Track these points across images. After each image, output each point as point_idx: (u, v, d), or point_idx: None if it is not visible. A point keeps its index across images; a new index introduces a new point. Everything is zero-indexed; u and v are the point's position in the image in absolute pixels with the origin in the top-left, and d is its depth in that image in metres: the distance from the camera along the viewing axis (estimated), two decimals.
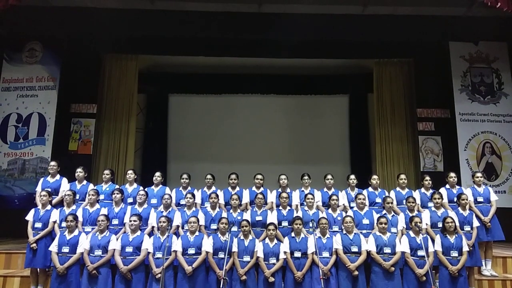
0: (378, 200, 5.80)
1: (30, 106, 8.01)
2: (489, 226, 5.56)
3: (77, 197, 5.57)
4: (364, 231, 5.12)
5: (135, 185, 5.96)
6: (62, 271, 4.58)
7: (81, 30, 7.87)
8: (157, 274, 4.56)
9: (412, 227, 4.88)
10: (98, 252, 4.66)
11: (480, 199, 5.72)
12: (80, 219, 5.14)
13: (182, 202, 5.64)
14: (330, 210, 5.48)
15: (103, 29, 7.65)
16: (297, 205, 5.75)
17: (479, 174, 5.97)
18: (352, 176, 6.07)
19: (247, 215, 5.34)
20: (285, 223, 5.33)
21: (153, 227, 5.22)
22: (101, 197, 5.64)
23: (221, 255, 4.71)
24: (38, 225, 5.09)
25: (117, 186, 5.78)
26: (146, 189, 5.74)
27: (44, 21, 7.57)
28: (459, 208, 5.40)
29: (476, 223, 5.31)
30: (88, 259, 4.63)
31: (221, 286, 4.45)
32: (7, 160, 7.82)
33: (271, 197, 5.84)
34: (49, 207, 5.25)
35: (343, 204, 5.77)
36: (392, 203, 5.44)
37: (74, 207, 5.33)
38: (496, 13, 6.89)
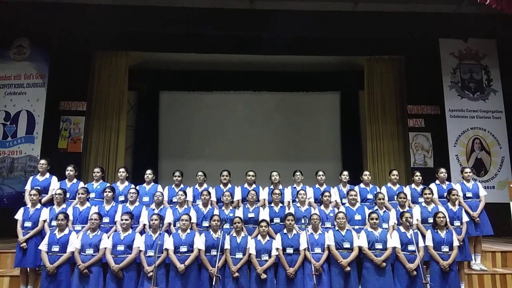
0: (370, 196, 5.83)
1: (18, 103, 7.89)
2: (478, 221, 5.63)
3: (68, 195, 5.51)
4: (356, 227, 5.16)
5: (126, 183, 5.92)
6: (52, 270, 4.53)
7: (70, 26, 7.77)
8: (149, 272, 4.54)
9: (403, 223, 4.92)
10: (90, 251, 4.62)
11: (469, 194, 5.81)
12: (71, 217, 5.09)
13: (175, 199, 5.62)
14: (322, 207, 5.50)
15: (92, 25, 7.55)
16: (289, 202, 5.76)
17: (467, 170, 6.04)
18: (345, 173, 6.09)
19: (239, 212, 5.34)
20: (277, 220, 5.34)
21: (144, 225, 5.20)
22: (92, 195, 5.60)
23: (213, 252, 4.71)
24: (28, 224, 5.03)
25: (108, 184, 5.73)
26: (138, 187, 5.71)
27: (32, 17, 7.44)
28: (449, 204, 5.46)
29: (465, 218, 5.38)
30: (79, 258, 4.59)
31: (213, 284, 4.44)
32: None
33: (263, 194, 5.85)
34: (38, 205, 5.19)
35: (335, 201, 5.80)
36: (383, 199, 5.47)
37: (64, 205, 5.27)
38: (485, 10, 6.95)
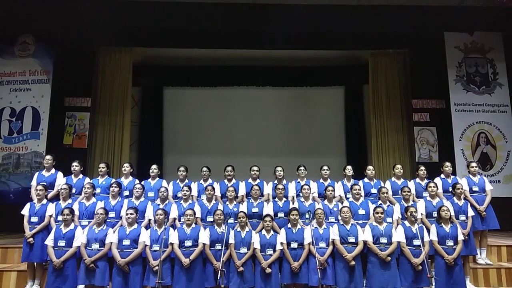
0: (374, 190, 5.83)
1: (23, 100, 7.93)
2: (484, 215, 5.62)
3: (73, 191, 5.55)
4: (360, 222, 5.16)
5: (130, 178, 5.96)
6: (58, 264, 4.57)
7: (74, 22, 7.79)
8: (154, 267, 4.57)
9: (408, 217, 4.91)
10: (95, 246, 4.65)
11: (475, 188, 5.79)
12: (76, 212, 5.13)
13: (179, 194, 5.65)
14: (326, 201, 5.50)
15: (96, 21, 7.57)
16: (293, 197, 5.78)
17: (474, 164, 6.02)
18: (349, 167, 6.11)
19: (243, 207, 5.36)
20: (281, 214, 5.36)
21: (150, 220, 5.22)
22: (97, 190, 5.63)
23: (218, 246, 4.73)
24: (34, 219, 5.08)
25: (113, 180, 5.76)
26: (143, 182, 5.74)
27: (36, 13, 7.47)
28: (454, 198, 5.44)
29: (471, 213, 5.37)
30: (85, 253, 4.63)
31: (218, 278, 4.47)
32: (1, 155, 7.78)
33: (268, 188, 5.87)
34: (44, 201, 5.23)
35: (339, 195, 5.81)
36: (387, 193, 5.46)
37: (70, 201, 5.31)
38: (490, 3, 6.89)
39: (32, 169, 7.58)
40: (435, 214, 5.13)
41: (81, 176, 5.85)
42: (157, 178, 5.99)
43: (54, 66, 8.04)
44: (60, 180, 5.71)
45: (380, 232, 4.80)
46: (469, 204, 5.44)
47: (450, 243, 4.80)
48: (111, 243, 4.67)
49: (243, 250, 4.77)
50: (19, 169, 7.73)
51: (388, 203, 5.42)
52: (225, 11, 7.63)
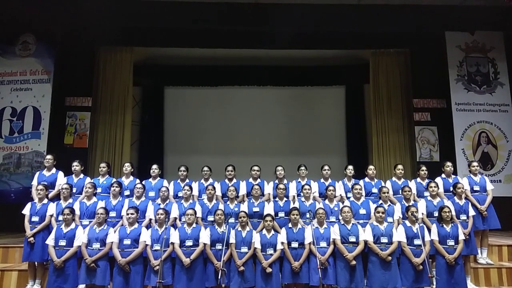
0: (375, 190, 5.83)
1: (24, 99, 7.94)
2: (485, 214, 5.61)
3: (74, 190, 5.55)
4: (361, 221, 5.16)
5: (131, 177, 5.96)
6: (59, 264, 4.57)
7: (75, 21, 7.79)
8: (155, 266, 4.58)
9: (409, 217, 4.90)
10: (96, 245, 4.65)
11: (476, 188, 5.78)
12: (77, 212, 5.13)
13: (180, 194, 5.65)
14: (327, 201, 5.50)
15: (97, 20, 7.56)
16: (294, 196, 5.78)
17: (475, 164, 6.01)
18: (350, 167, 6.11)
19: (244, 207, 5.36)
20: (281, 214, 5.36)
21: (150, 219, 5.23)
22: (98, 190, 5.64)
23: (218, 246, 4.73)
24: (35, 219, 5.08)
25: (114, 179, 5.76)
26: (143, 182, 5.74)
27: (37, 13, 7.47)
28: (455, 197, 5.44)
29: (472, 212, 5.36)
30: (86, 252, 4.63)
31: (219, 277, 4.47)
32: (2, 155, 7.78)
33: (268, 188, 5.87)
34: (45, 200, 5.24)
35: (340, 195, 5.81)
36: (388, 193, 5.45)
37: (70, 200, 5.31)
38: (492, 3, 6.88)
39: (33, 169, 7.59)
40: (436, 214, 5.12)
41: (82, 175, 5.86)
42: (158, 178, 6.00)
43: (55, 66, 8.05)
44: (61, 180, 5.71)
45: (380, 232, 4.79)
46: (470, 204, 5.44)
47: (451, 242, 4.79)
48: (112, 242, 4.68)
49: (244, 249, 4.77)
50: (20, 168, 7.74)
51: (389, 202, 5.41)
52: (226, 11, 7.62)
